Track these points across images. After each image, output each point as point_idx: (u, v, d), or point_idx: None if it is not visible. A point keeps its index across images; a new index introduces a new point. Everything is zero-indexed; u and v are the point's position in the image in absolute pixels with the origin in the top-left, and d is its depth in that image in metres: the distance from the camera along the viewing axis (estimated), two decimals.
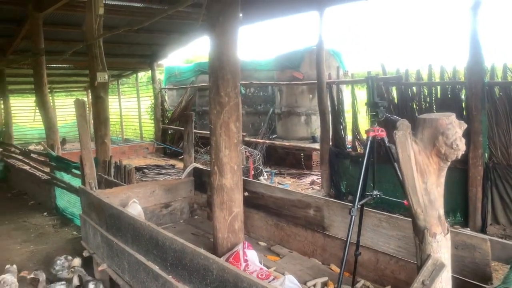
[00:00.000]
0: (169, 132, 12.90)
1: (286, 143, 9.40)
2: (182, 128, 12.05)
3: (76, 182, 6.05)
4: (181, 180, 4.59)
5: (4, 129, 10.85)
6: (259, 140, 9.76)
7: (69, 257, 4.49)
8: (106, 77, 4.97)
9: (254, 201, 4.00)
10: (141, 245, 2.96)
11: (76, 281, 3.82)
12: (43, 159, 7.80)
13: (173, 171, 9.29)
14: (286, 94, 9.75)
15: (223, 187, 3.30)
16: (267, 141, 9.65)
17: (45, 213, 6.86)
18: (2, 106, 11.08)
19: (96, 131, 5.71)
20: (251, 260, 3.07)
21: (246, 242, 3.24)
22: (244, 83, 9.67)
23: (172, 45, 12.13)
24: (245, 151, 7.98)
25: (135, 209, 3.78)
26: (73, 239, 5.62)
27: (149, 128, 14.15)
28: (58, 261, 4.45)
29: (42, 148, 11.18)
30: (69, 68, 12.85)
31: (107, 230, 3.46)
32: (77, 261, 4.41)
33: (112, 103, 16.01)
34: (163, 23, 9.56)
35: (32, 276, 3.86)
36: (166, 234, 2.67)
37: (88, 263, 4.32)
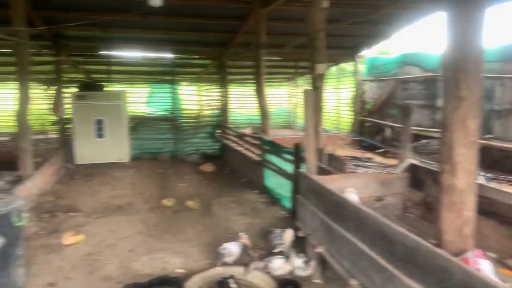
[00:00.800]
0: (367, 124, 12.75)
1: (506, 144, 8.25)
2: (381, 121, 11.90)
3: (285, 166, 6.52)
4: (396, 175, 4.47)
5: (222, 114, 12.40)
6: None
7: (284, 230, 4.88)
8: (325, 68, 5.16)
9: (481, 207, 3.61)
10: (365, 235, 2.99)
11: (293, 256, 4.13)
12: (255, 142, 8.64)
13: (371, 164, 9.16)
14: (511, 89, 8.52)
15: (453, 188, 3.06)
16: (482, 141, 8.62)
17: (256, 191, 7.60)
18: (223, 94, 12.65)
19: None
20: (485, 271, 2.78)
21: (478, 250, 2.96)
22: None
23: (377, 36, 11.88)
24: None
25: (352, 198, 3.84)
26: (282, 218, 6.09)
27: (346, 119, 14.28)
28: (275, 233, 4.90)
29: (255, 132, 12.45)
30: (276, 60, 13.80)
31: (326, 215, 3.62)
32: (288, 236, 4.76)
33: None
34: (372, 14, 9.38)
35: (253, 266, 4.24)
36: (396, 228, 2.63)
37: (297, 240, 4.62)
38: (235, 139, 10.45)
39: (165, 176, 9.01)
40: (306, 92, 3.93)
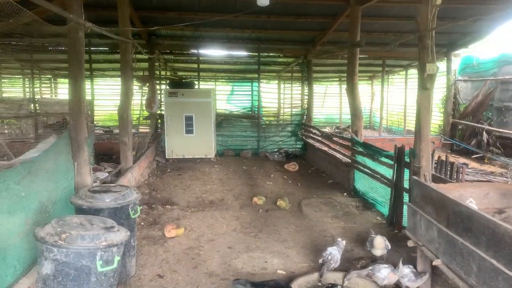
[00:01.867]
0: (459, 127, 11.96)
1: None
2: (476, 125, 11.07)
3: (380, 170, 6.25)
4: None
5: (306, 112, 12.27)
6: None
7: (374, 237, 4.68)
8: (436, 69, 4.85)
9: None
10: (502, 253, 2.73)
11: (400, 266, 3.92)
12: (344, 143, 8.42)
13: (469, 171, 8.54)
14: None
15: None
16: None
17: (345, 194, 7.40)
18: (306, 92, 12.51)
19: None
20: None
21: None
22: None
23: (474, 34, 11.04)
24: None
25: None
26: (378, 224, 5.84)
27: (434, 121, 13.52)
28: (368, 240, 4.72)
29: (342, 132, 12.23)
30: (360, 58, 13.35)
31: (447, 227, 3.37)
32: (378, 243, 4.55)
33: (396, 94, 16.01)
34: (471, 9, 8.65)
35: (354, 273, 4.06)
36: None
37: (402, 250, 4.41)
38: (319, 138, 10.29)
39: (251, 173, 9.09)
40: (421, 93, 3.70)
